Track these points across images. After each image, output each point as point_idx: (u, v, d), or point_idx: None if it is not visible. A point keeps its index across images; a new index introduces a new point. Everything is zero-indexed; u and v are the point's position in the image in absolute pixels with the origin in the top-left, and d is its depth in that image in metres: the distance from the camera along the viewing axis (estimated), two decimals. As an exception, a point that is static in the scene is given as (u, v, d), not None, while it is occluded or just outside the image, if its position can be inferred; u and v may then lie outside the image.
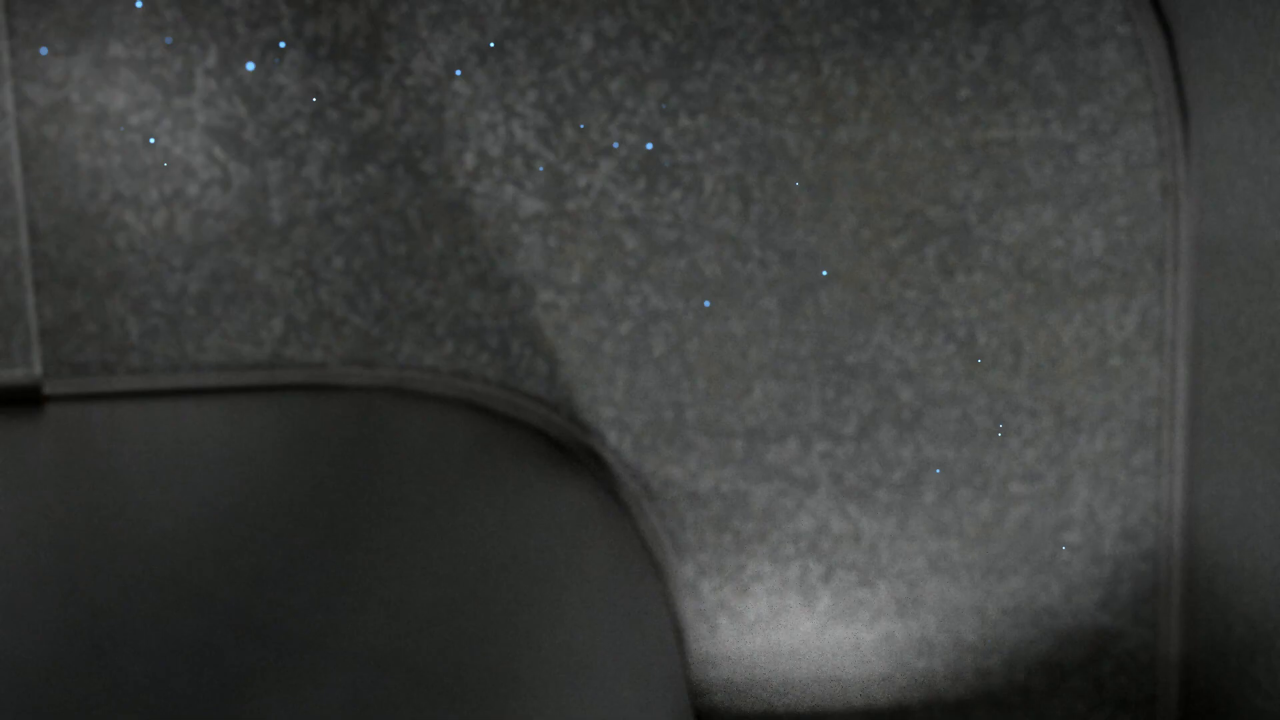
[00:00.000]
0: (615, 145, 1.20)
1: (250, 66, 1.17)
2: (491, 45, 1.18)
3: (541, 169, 1.20)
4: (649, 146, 1.20)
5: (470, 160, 1.20)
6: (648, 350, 1.23)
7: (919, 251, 1.22)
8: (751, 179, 1.21)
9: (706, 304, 1.21)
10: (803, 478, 1.26)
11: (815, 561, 1.27)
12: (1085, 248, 1.22)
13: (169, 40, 1.16)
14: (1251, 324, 1.11)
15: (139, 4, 1.15)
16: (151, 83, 1.17)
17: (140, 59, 1.17)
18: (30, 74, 1.16)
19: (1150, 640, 1.29)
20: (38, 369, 1.22)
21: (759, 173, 1.21)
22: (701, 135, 1.19)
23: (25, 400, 1.22)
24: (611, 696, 1.09)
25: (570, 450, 1.25)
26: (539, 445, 1.24)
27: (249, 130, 1.18)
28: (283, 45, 1.17)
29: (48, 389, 1.22)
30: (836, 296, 1.23)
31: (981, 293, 1.23)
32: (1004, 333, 1.24)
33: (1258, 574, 1.12)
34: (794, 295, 1.23)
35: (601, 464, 1.25)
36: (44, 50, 1.16)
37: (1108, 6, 1.19)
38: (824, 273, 1.22)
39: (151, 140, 1.18)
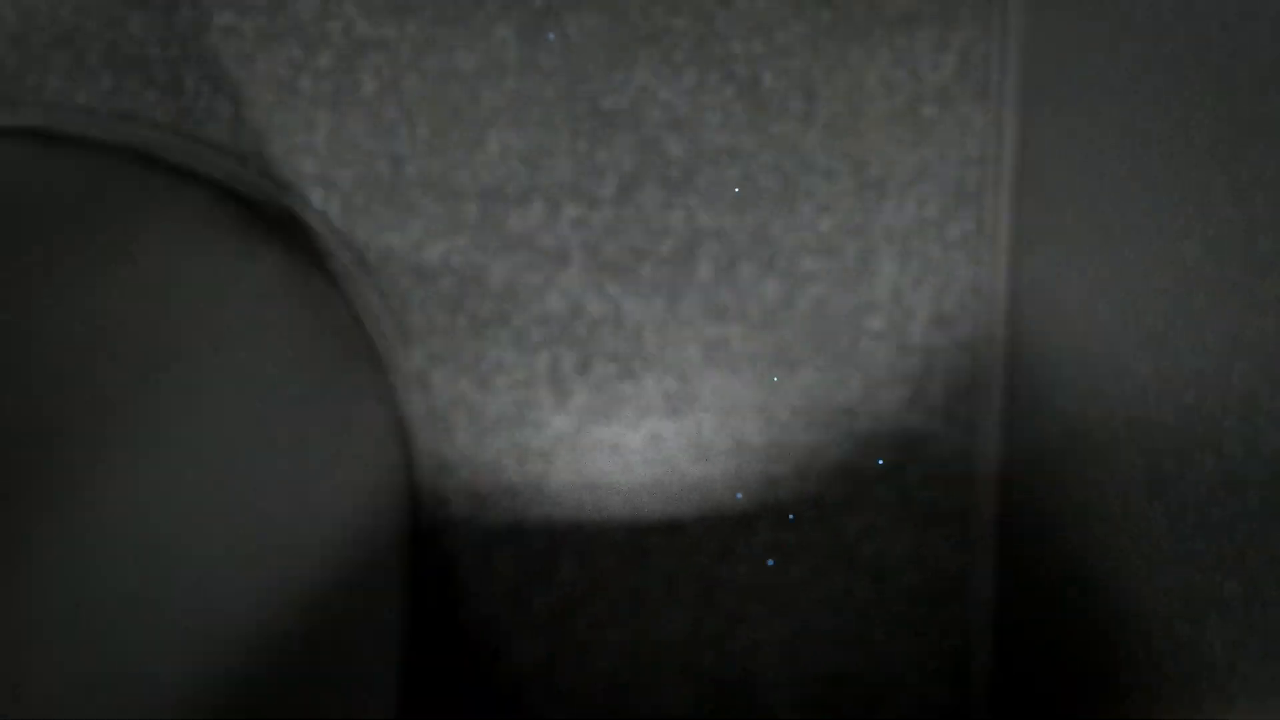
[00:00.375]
0: None
1: None
2: None
3: None
4: None
5: None
6: (355, 88, 1.01)
7: None
8: None
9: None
10: (551, 249, 1.05)
11: (568, 349, 1.08)
12: None
13: None
14: (1079, 60, 0.90)
15: None
16: None
17: None
18: None
19: (965, 445, 1.11)
20: None
21: None
22: None
23: None
24: (286, 508, 0.92)
25: (265, 212, 1.04)
26: (224, 206, 1.03)
27: None
28: None
29: None
30: (588, 24, 1.01)
31: (767, 22, 1.01)
32: (794, 72, 1.02)
33: (1073, 365, 0.94)
34: (535, 22, 1.00)
35: (304, 230, 1.04)
36: None
37: None
38: None
39: None
